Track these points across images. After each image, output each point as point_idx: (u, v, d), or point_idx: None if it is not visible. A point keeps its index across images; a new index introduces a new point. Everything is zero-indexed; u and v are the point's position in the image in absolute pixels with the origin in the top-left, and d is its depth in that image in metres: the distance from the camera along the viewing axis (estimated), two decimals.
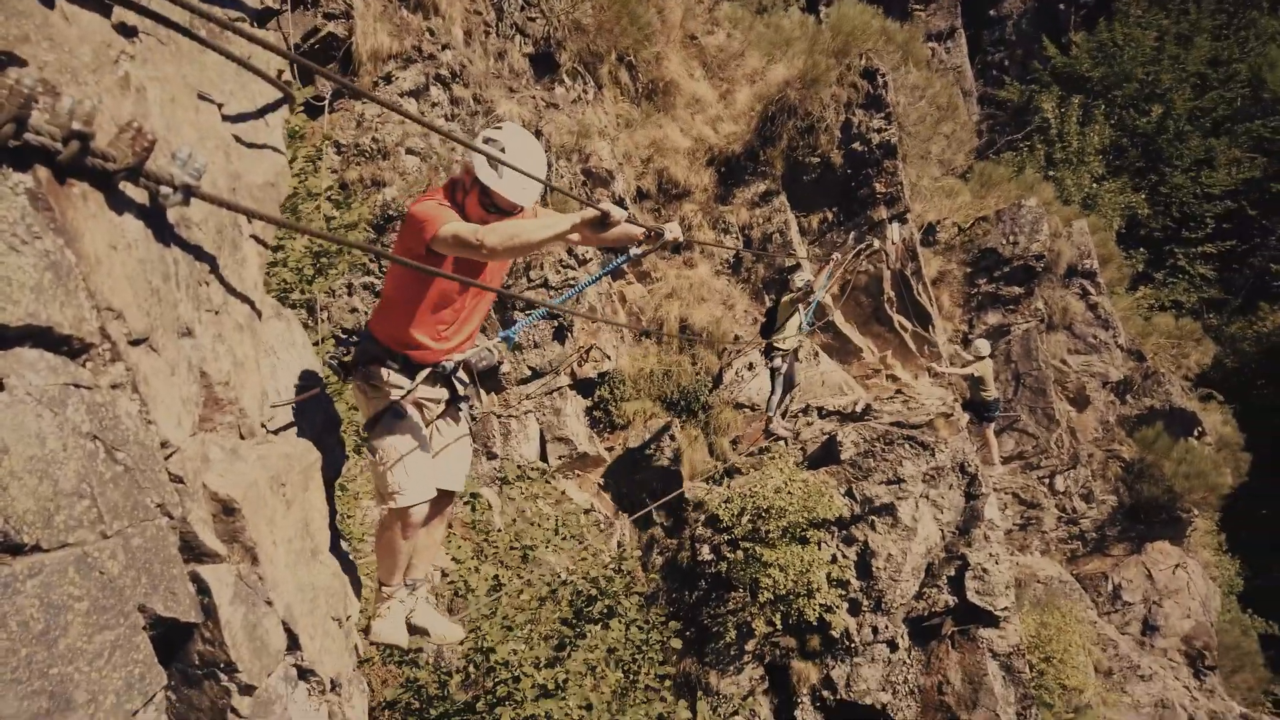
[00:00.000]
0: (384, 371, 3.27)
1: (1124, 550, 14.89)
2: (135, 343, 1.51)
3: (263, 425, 2.08)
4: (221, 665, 1.61)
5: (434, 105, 10.97)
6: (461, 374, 3.56)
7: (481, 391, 10.87)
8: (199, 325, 1.73)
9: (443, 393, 3.50)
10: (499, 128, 3.14)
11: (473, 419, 3.79)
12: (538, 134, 11.62)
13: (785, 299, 10.69)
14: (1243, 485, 16.81)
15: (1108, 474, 15.19)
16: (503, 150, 3.03)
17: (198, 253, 1.76)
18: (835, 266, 12.54)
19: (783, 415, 11.55)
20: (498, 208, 3.13)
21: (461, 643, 7.67)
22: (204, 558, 1.61)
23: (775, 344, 10.66)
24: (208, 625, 1.59)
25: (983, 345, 12.68)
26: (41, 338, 1.33)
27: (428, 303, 3.24)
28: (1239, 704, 14.61)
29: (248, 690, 1.65)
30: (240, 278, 1.95)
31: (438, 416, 3.57)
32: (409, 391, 3.27)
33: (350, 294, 9.82)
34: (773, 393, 10.96)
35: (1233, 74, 24.74)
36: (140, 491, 1.45)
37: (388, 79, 10.86)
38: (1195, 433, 15.61)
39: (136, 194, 1.56)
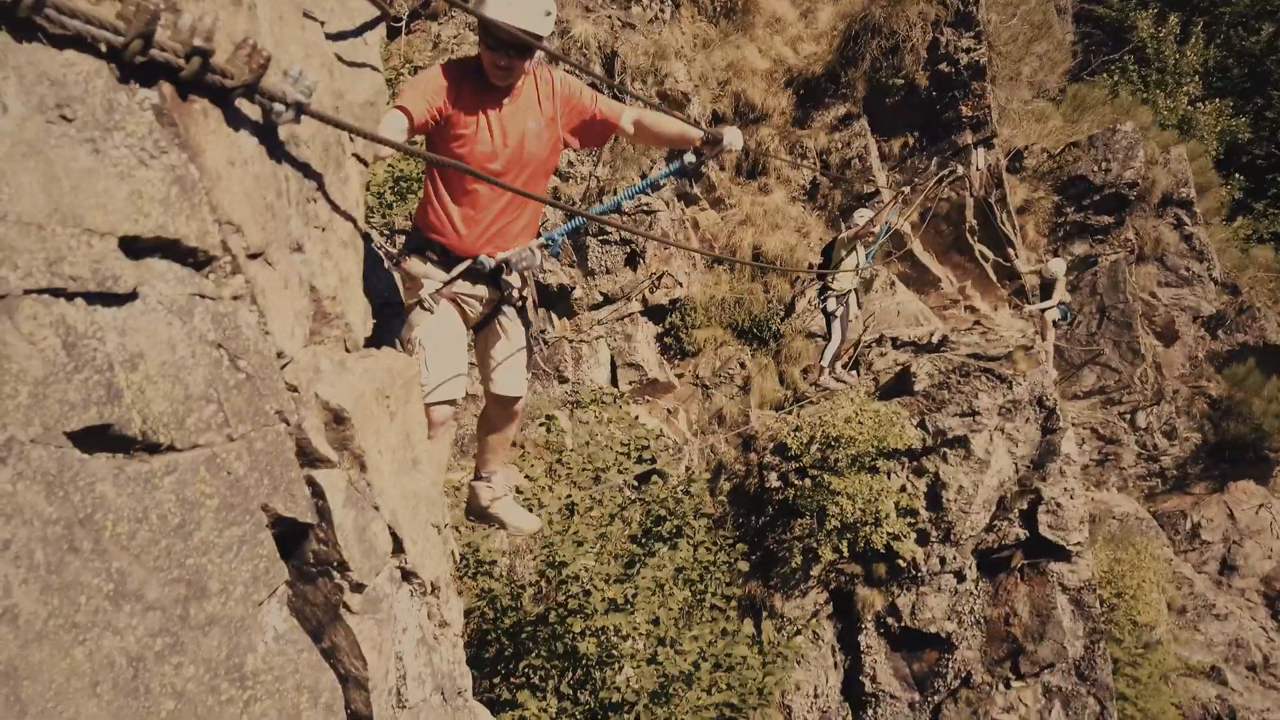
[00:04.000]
0: (420, 261, 3.22)
1: (1205, 489, 14.52)
2: (253, 256, 1.57)
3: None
4: (335, 564, 1.70)
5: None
6: (515, 277, 3.38)
7: (554, 316, 10.98)
8: (308, 241, 1.79)
9: (483, 291, 3.35)
10: None
11: (529, 325, 3.61)
12: (614, 53, 11.46)
13: (843, 236, 10.17)
14: None
15: (1193, 411, 14.75)
16: None
17: (306, 170, 1.81)
18: (904, 202, 12.19)
19: (844, 364, 11.26)
20: (501, 42, 2.92)
21: (535, 557, 7.92)
22: (317, 463, 1.70)
23: (829, 284, 10.29)
24: (322, 527, 1.67)
25: (1057, 266, 12.32)
26: (170, 249, 1.39)
27: (449, 185, 3.16)
28: None
29: (358, 588, 1.74)
30: (344, 195, 1.99)
31: (487, 317, 3.46)
32: (444, 285, 3.17)
33: None
34: (827, 341, 10.65)
35: None
36: (260, 398, 1.53)
37: None
38: None
39: (250, 111, 1.61)
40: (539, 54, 3.25)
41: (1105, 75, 19.94)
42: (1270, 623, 13.66)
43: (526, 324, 3.58)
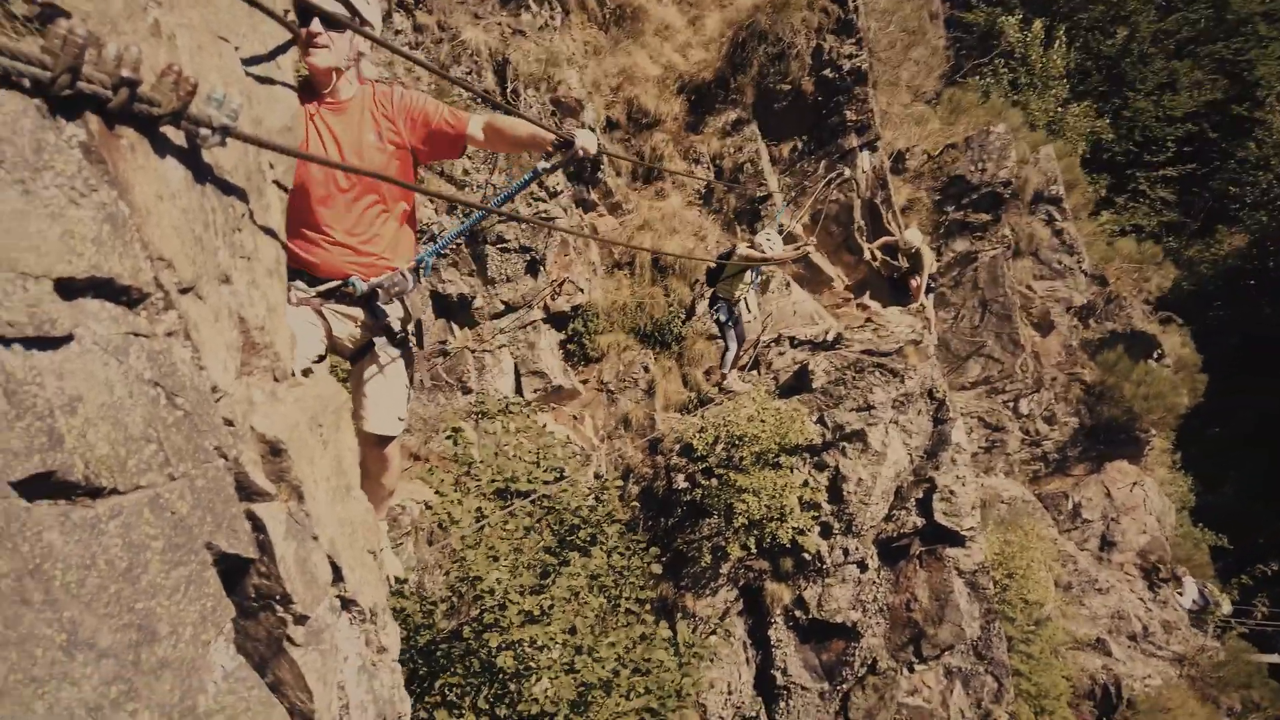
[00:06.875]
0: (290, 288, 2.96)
1: (1084, 470, 15.40)
2: (184, 291, 1.54)
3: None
4: (278, 597, 1.68)
5: (397, 33, 10.72)
6: (395, 306, 3.25)
7: (454, 326, 10.86)
8: (235, 271, 1.76)
9: (358, 314, 3.20)
10: None
11: (409, 360, 3.43)
12: (505, 60, 11.41)
13: (741, 251, 10.22)
14: (1197, 405, 17.37)
15: (1070, 396, 15.62)
16: None
17: (230, 200, 1.78)
18: (795, 205, 12.55)
19: (744, 365, 11.50)
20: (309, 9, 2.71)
21: (445, 572, 7.81)
22: (256, 497, 1.67)
23: (719, 295, 10.51)
24: (264, 561, 1.65)
25: (913, 235, 12.72)
26: (103, 289, 1.36)
27: (300, 207, 2.94)
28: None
29: (301, 620, 1.73)
30: (267, 222, 1.97)
31: (363, 349, 3.32)
32: (314, 295, 3.05)
33: None
34: (726, 348, 10.86)
35: None
36: (199, 435, 1.50)
37: None
38: (1155, 355, 16.05)
39: (175, 139, 1.58)
40: (370, 67, 3.11)
41: (977, 79, 20.90)
42: (1147, 594, 14.58)
43: (407, 358, 3.41)
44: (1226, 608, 15.18)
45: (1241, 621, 15.62)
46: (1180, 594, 14.93)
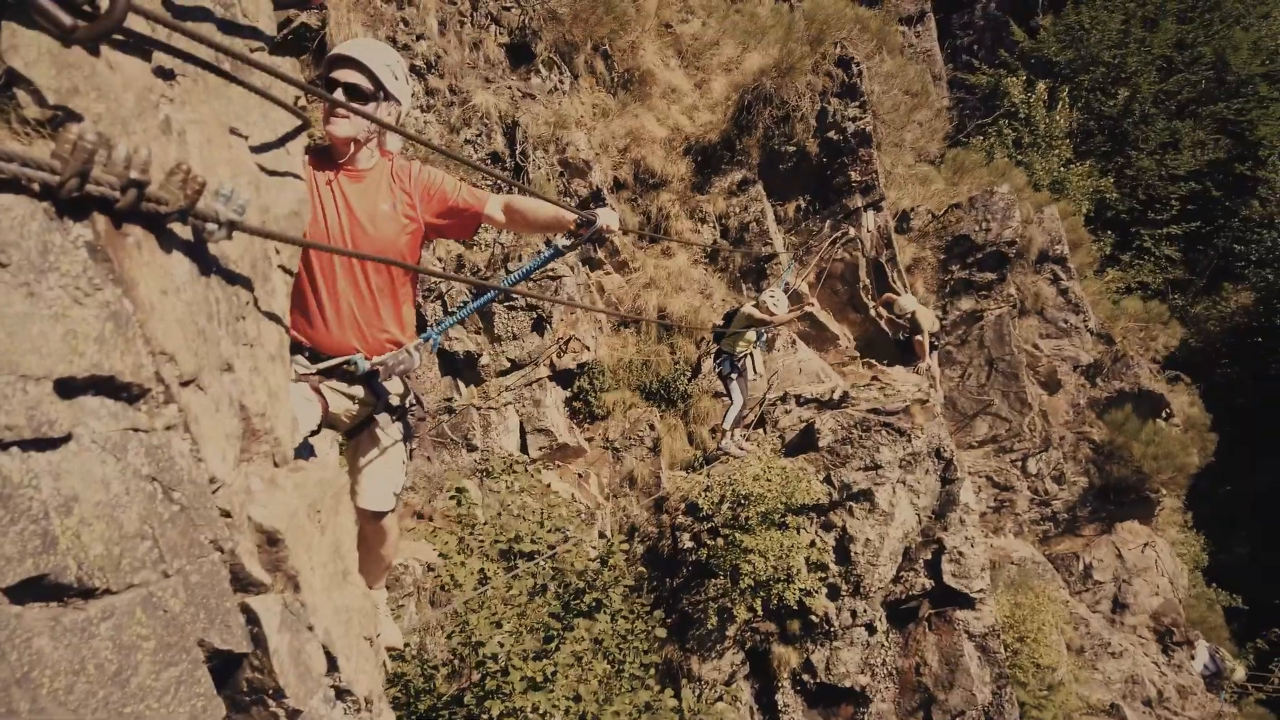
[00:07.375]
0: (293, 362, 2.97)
1: (1094, 530, 15.23)
2: (185, 384, 1.55)
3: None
4: (270, 691, 1.66)
5: (409, 96, 10.92)
6: (395, 383, 3.24)
7: (461, 383, 10.89)
8: (237, 360, 1.77)
9: (358, 391, 3.17)
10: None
11: (409, 436, 3.40)
12: (515, 123, 11.58)
13: (745, 310, 10.31)
14: (1208, 464, 17.22)
15: (1078, 456, 15.51)
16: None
17: (235, 289, 1.80)
18: (800, 263, 12.65)
19: (748, 424, 11.45)
20: (335, 81, 2.97)
21: (449, 636, 7.72)
22: (251, 588, 1.66)
23: (723, 349, 10.52)
24: (257, 654, 1.63)
25: (907, 302, 12.77)
26: (104, 386, 1.37)
27: (306, 277, 2.96)
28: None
29: (294, 714, 1.70)
30: (271, 308, 1.98)
31: (362, 424, 3.29)
32: (314, 372, 3.02)
33: None
34: (730, 405, 10.80)
35: (1198, 57, 25.08)
36: (195, 529, 1.50)
37: None
38: (1163, 414, 15.96)
39: (181, 232, 1.60)
40: (397, 143, 3.21)
41: (981, 139, 21.12)
42: (1161, 657, 14.30)
43: (406, 432, 3.38)
44: (1240, 674, 14.89)
45: (1259, 687, 15.30)
46: (1193, 658, 14.66)
